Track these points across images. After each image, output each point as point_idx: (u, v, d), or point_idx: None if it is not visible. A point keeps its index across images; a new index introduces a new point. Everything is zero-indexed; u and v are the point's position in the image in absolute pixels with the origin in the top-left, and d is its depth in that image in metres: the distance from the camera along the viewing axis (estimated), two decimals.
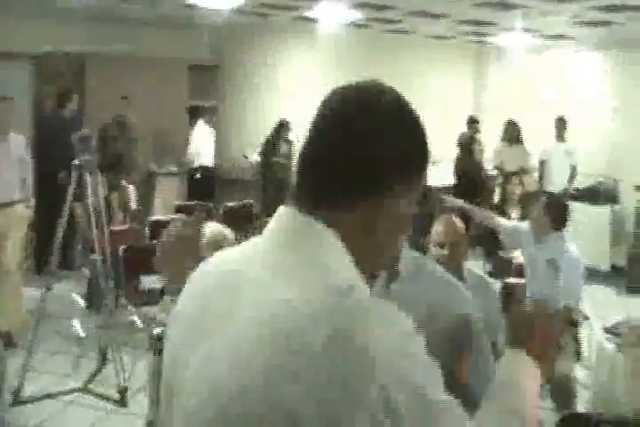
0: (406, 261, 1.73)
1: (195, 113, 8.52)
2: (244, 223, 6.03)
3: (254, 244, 1.01)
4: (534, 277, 4.35)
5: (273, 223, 0.99)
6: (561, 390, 3.82)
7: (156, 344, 2.44)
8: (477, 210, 4.95)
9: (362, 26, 8.86)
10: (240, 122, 9.18)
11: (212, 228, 2.80)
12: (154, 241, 5.02)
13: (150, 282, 4.50)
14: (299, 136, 7.58)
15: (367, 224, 0.96)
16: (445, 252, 3.03)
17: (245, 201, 6.97)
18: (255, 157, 8.75)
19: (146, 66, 8.08)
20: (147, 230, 5.50)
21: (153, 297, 4.24)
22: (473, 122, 8.97)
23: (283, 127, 8.43)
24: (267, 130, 8.62)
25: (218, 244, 2.62)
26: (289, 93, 9.33)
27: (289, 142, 8.51)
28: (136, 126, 7.56)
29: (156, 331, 2.49)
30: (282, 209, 0.99)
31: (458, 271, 3.10)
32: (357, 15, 7.88)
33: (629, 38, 8.32)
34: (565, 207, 4.38)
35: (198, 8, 7.32)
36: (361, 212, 0.95)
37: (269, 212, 5.91)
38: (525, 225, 4.51)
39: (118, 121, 7.45)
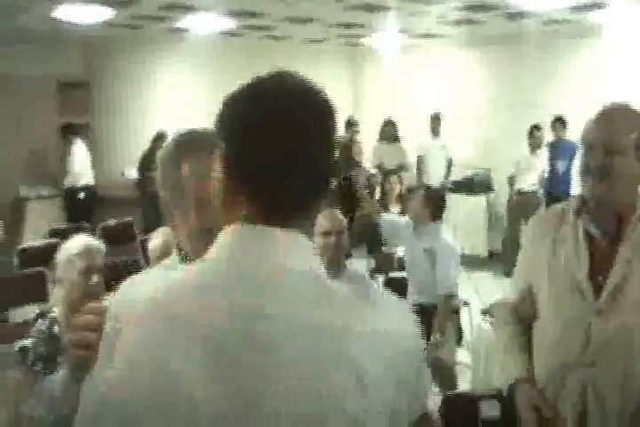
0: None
1: (68, 131, 8.09)
2: (124, 242, 5.78)
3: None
4: (414, 268, 4.46)
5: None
6: (443, 374, 4.01)
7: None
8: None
9: (235, 34, 8.77)
10: (116, 137, 8.90)
11: (77, 239, 2.74)
12: (24, 270, 4.72)
13: (22, 314, 4.19)
14: None
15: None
16: (333, 239, 3.20)
17: (126, 219, 6.65)
18: (133, 174, 8.42)
19: (11, 83, 7.66)
20: (15, 260, 5.14)
21: (26, 330, 3.94)
22: (351, 124, 9.00)
23: (160, 140, 7.97)
24: (145, 144, 8.32)
25: (87, 256, 2.60)
26: (165, 106, 9.13)
27: None
28: None
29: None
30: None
31: (336, 265, 3.24)
32: (230, 24, 7.79)
33: (491, 35, 8.66)
34: (443, 199, 4.54)
35: (66, 22, 7.03)
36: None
37: (148, 228, 5.68)
38: (404, 219, 4.68)
39: None
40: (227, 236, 0.92)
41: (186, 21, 7.56)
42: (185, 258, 1.39)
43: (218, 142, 0.96)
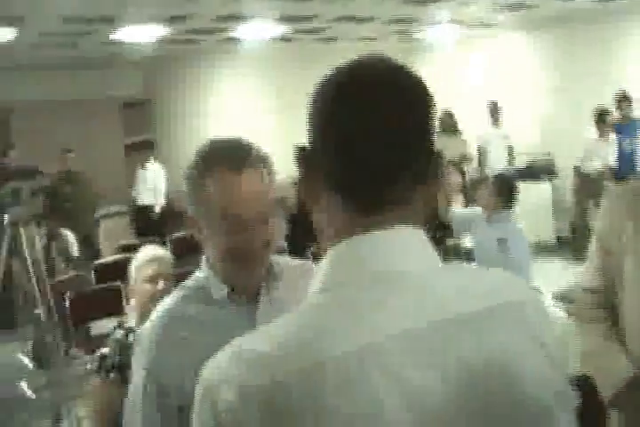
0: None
1: (132, 149, 8.34)
2: (192, 252, 5.85)
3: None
4: (485, 258, 4.38)
5: None
6: None
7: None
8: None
9: (288, 39, 8.82)
10: (181, 151, 9.06)
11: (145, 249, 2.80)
12: (100, 285, 4.86)
13: (101, 327, 4.32)
14: None
15: None
16: None
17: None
18: None
19: (76, 109, 7.94)
20: (92, 275, 5.31)
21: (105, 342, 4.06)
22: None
23: None
24: None
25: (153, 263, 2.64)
26: (225, 115, 9.28)
27: None
28: (83, 174, 7.42)
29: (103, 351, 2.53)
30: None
31: None
32: (281, 29, 7.84)
33: (545, 18, 8.44)
34: (513, 185, 4.47)
35: (123, 43, 7.24)
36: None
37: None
38: (473, 210, 4.64)
39: (65, 171, 7.29)
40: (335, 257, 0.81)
41: (238, 31, 7.66)
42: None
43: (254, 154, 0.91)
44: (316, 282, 0.80)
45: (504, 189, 4.35)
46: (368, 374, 0.70)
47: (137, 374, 1.38)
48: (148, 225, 7.97)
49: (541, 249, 7.31)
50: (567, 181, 8.16)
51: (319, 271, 0.81)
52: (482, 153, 8.50)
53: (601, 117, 7.39)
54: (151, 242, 5.57)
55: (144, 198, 8.21)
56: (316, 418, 0.68)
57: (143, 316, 2.52)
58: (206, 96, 9.45)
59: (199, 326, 1.35)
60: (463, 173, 6.89)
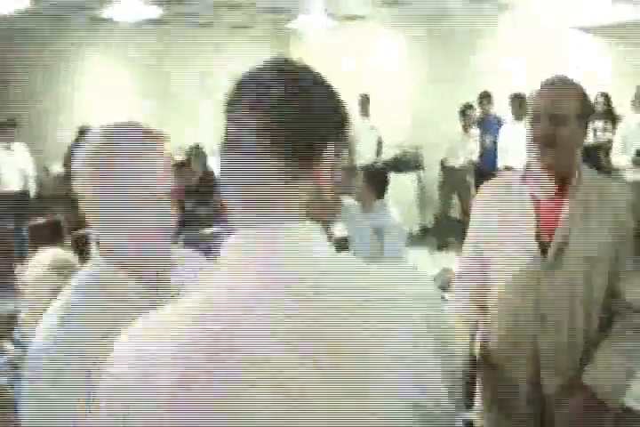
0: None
1: None
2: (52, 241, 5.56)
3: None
4: (361, 247, 4.48)
5: None
6: None
7: None
8: None
9: (161, 22, 8.61)
10: (41, 134, 8.60)
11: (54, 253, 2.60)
12: None
13: None
14: None
15: None
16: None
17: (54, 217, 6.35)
18: (58, 170, 8.12)
19: None
20: None
21: None
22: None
23: (84, 134, 7.65)
24: (69, 139, 7.88)
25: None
26: (91, 98, 8.92)
27: None
28: None
29: None
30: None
31: None
32: (155, 11, 7.62)
33: (416, 15, 8.80)
34: (384, 175, 4.64)
35: None
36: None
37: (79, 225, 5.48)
38: (348, 200, 4.66)
39: None
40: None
41: (109, 10, 7.36)
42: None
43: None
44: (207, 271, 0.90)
45: (376, 180, 4.47)
46: (237, 362, 0.79)
47: None
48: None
49: (408, 238, 7.58)
50: (433, 173, 8.48)
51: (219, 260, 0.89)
52: (352, 144, 8.65)
53: (464, 112, 7.81)
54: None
55: (10, 183, 7.59)
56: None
57: None
58: (73, 74, 9.01)
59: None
60: None
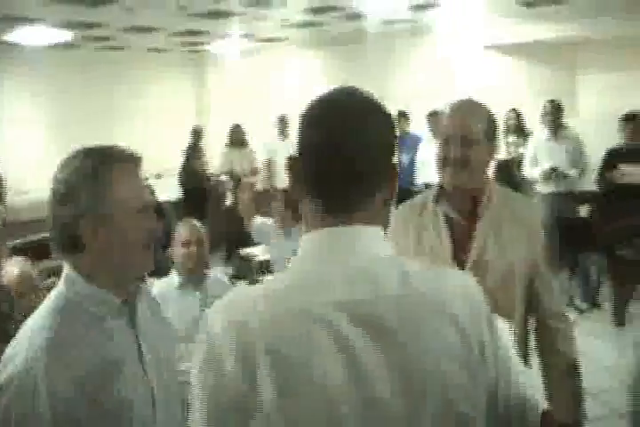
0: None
1: None
2: None
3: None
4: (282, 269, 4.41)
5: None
6: None
7: None
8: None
9: (72, 46, 8.40)
10: None
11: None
12: None
13: None
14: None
15: None
16: (194, 249, 3.20)
17: None
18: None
19: None
20: None
21: None
22: (197, 132, 8.81)
23: None
24: None
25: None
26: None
27: None
28: None
29: None
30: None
31: (197, 274, 3.27)
32: (67, 35, 7.43)
33: (333, 36, 8.88)
34: None
35: None
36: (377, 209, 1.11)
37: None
38: (271, 221, 4.60)
39: None
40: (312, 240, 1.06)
41: (15, 34, 7.12)
42: None
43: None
44: (292, 260, 1.07)
45: (295, 204, 4.43)
46: (313, 329, 0.94)
47: None
48: None
49: None
50: None
51: (297, 254, 1.07)
52: (269, 165, 8.64)
53: None
54: None
55: None
56: (270, 356, 0.92)
57: None
58: None
59: None
60: (253, 187, 6.89)
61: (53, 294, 1.38)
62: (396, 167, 1.08)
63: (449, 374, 0.98)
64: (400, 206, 2.16)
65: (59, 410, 1.23)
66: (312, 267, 1.02)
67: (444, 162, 1.93)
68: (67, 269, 1.38)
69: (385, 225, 1.09)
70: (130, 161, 1.40)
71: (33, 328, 1.32)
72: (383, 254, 1.04)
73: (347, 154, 1.01)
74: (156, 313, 1.61)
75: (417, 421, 0.96)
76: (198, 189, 8.03)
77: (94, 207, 1.32)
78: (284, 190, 4.76)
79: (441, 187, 2.01)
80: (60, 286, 1.38)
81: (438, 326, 0.99)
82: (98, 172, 1.34)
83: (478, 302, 1.08)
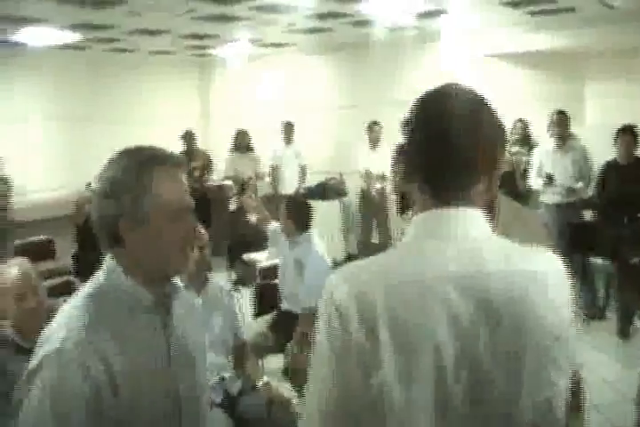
0: None
1: None
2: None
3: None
4: (284, 278, 4.40)
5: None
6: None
7: None
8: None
9: (79, 47, 8.39)
10: None
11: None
12: None
13: None
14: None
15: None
16: (195, 254, 3.17)
17: None
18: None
19: None
20: None
21: None
22: (189, 135, 8.69)
23: None
24: None
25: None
26: (4, 125, 8.56)
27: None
28: None
29: None
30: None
31: (199, 279, 3.29)
32: (74, 36, 7.43)
33: (340, 42, 8.86)
34: (306, 208, 4.43)
35: None
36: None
37: None
38: (276, 226, 4.56)
39: None
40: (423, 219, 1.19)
41: (21, 34, 7.11)
42: None
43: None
44: (404, 238, 1.18)
45: (298, 213, 4.31)
46: (426, 296, 1.07)
47: None
48: None
49: (334, 267, 7.49)
50: (354, 200, 8.42)
51: (407, 232, 1.19)
52: (275, 172, 8.58)
53: (370, 128, 7.86)
54: None
55: None
56: (389, 319, 1.06)
57: None
58: None
59: None
60: (256, 193, 6.82)
61: (92, 280, 1.46)
62: (499, 158, 1.20)
63: (543, 350, 1.10)
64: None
65: (90, 388, 1.29)
66: (424, 243, 1.15)
67: None
68: (108, 259, 1.45)
69: (490, 210, 1.22)
70: (172, 164, 1.45)
71: (70, 310, 1.40)
72: (486, 234, 1.16)
73: (458, 145, 1.14)
74: (191, 314, 1.64)
75: (513, 386, 1.08)
76: (197, 194, 8.02)
77: (133, 207, 1.37)
78: (287, 200, 4.64)
79: None
80: (100, 274, 1.45)
81: (538, 302, 1.10)
82: (140, 173, 1.39)
83: (567, 285, 1.18)
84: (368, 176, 7.87)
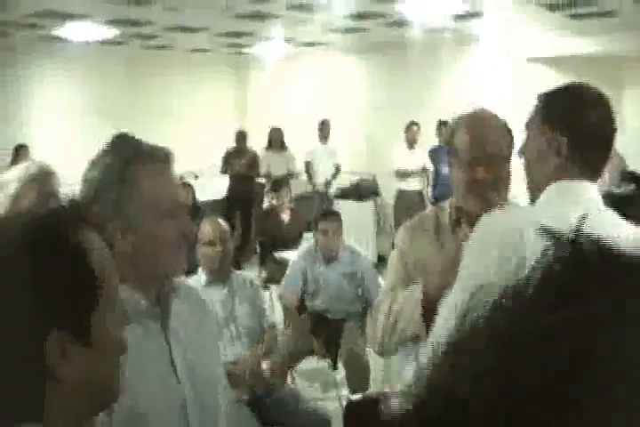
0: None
1: None
2: None
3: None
4: (330, 292, 4.33)
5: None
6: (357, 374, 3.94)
7: None
8: None
9: (117, 43, 8.48)
10: None
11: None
12: None
13: None
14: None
15: None
16: (218, 249, 3.21)
17: None
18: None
19: None
20: None
21: None
22: (241, 135, 8.82)
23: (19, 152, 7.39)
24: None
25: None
26: (42, 118, 8.68)
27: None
28: None
29: None
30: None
31: (222, 274, 3.28)
32: (111, 32, 7.52)
33: (376, 42, 8.82)
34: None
35: None
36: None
37: None
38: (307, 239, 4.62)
39: None
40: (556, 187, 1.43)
41: (63, 29, 7.22)
42: None
43: None
44: (539, 201, 1.45)
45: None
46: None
47: None
48: None
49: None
50: (390, 200, 8.34)
51: (544, 196, 1.44)
52: (309, 169, 8.61)
53: (409, 128, 7.84)
54: None
55: None
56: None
57: None
58: (19, 93, 8.70)
59: None
60: (290, 191, 6.81)
61: None
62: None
63: None
64: (409, 222, 2.06)
65: None
66: (555, 201, 1.40)
67: (471, 185, 1.75)
68: None
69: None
70: (159, 160, 1.35)
71: None
72: (603, 204, 1.41)
73: (606, 133, 1.44)
74: (197, 313, 1.54)
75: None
76: (244, 192, 8.10)
77: (121, 209, 1.28)
78: (334, 214, 4.61)
79: (457, 207, 1.86)
80: None
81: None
82: (125, 172, 1.29)
83: None
84: (404, 175, 7.83)
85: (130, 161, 1.31)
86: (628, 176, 5.51)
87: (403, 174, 7.85)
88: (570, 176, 1.41)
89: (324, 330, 4.25)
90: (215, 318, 1.77)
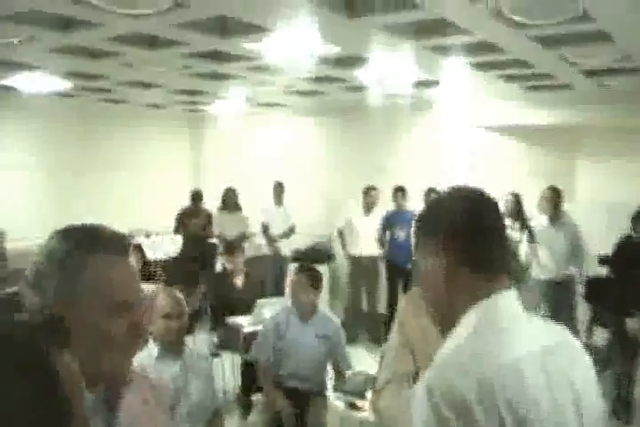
0: None
1: None
2: None
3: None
4: (301, 356, 4.30)
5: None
6: None
7: None
8: None
9: (71, 95, 8.30)
10: None
11: None
12: None
13: None
14: None
15: None
16: (175, 323, 3.07)
17: None
18: None
19: None
20: None
21: None
22: (197, 195, 8.69)
23: None
24: None
25: None
26: None
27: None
28: None
29: None
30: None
31: (177, 346, 3.13)
32: (67, 84, 7.35)
33: (336, 106, 8.88)
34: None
35: None
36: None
37: None
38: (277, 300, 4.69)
39: None
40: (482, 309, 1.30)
41: (12, 79, 7.01)
42: None
43: None
44: (465, 329, 1.28)
45: (320, 284, 4.47)
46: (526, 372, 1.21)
47: None
48: None
49: None
50: (344, 264, 8.31)
51: (465, 323, 1.28)
52: (266, 230, 8.47)
53: (367, 193, 7.79)
54: None
55: None
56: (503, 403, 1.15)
57: None
58: None
59: None
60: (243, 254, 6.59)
61: None
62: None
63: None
64: (412, 290, 2.14)
65: None
66: (506, 327, 1.28)
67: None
68: None
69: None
70: (112, 251, 1.21)
71: None
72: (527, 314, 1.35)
73: (498, 234, 1.38)
74: (150, 407, 1.42)
75: None
76: (196, 252, 7.87)
77: (60, 298, 1.15)
78: (310, 269, 4.58)
79: None
80: None
81: (584, 365, 1.35)
82: (69, 259, 1.17)
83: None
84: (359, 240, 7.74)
85: (76, 247, 1.19)
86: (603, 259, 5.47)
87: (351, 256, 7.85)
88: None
89: (291, 403, 4.17)
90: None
